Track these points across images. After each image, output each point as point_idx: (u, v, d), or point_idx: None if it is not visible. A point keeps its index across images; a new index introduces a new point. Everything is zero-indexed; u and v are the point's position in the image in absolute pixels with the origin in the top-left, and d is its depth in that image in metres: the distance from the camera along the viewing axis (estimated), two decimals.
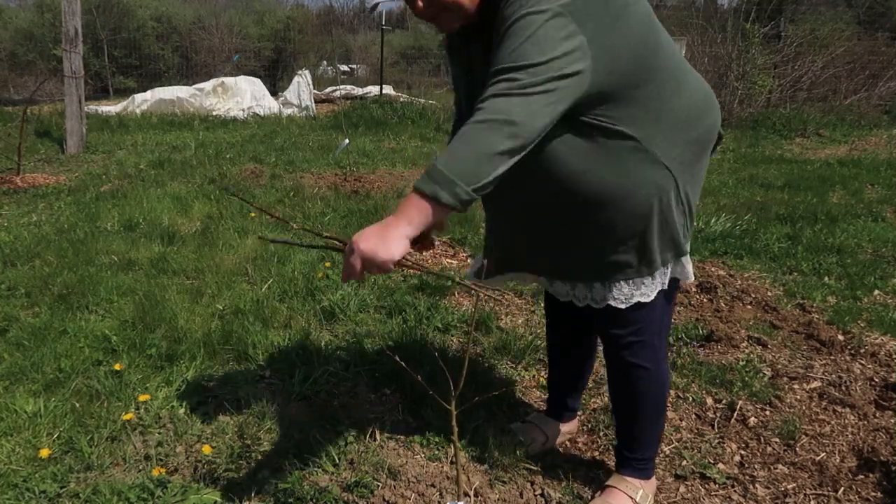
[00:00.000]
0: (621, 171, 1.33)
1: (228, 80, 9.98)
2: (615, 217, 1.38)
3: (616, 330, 1.54)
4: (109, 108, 9.42)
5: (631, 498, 1.65)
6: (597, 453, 1.93)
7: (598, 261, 1.45)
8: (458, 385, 1.26)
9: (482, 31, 1.31)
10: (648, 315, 1.51)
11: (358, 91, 12.32)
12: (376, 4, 1.73)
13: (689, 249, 1.52)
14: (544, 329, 2.00)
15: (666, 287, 1.50)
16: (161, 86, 10.12)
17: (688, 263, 1.53)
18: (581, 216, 1.40)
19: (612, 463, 1.85)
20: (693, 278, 1.58)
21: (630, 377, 1.59)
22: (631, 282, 1.46)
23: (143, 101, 9.39)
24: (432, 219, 1.17)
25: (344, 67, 16.88)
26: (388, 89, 12.00)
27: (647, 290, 1.47)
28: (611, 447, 1.93)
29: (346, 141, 5.81)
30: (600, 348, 1.80)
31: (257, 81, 10.19)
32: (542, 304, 2.11)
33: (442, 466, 1.79)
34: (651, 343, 1.55)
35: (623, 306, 1.48)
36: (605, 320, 1.54)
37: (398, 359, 1.46)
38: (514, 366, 2.40)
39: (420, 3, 1.30)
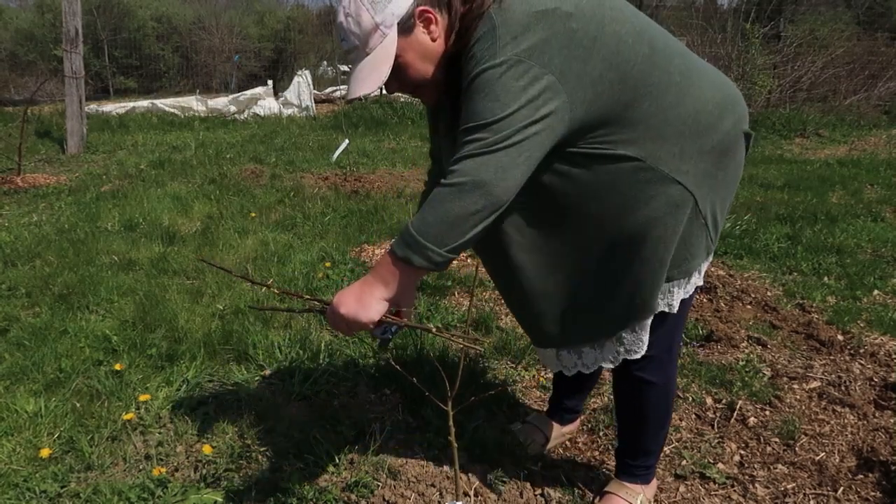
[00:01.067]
0: (630, 197, 1.27)
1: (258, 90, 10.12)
2: (637, 250, 1.32)
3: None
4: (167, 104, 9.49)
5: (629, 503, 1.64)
6: (597, 453, 1.93)
7: (627, 303, 1.37)
8: (454, 385, 1.26)
9: (450, 89, 1.30)
10: (657, 331, 1.45)
11: None
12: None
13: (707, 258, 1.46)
14: None
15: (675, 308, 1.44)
16: (162, 87, 10.13)
17: (699, 275, 1.47)
18: (608, 255, 1.34)
19: (612, 462, 1.85)
20: (701, 282, 1.53)
21: (637, 391, 1.54)
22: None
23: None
24: (409, 279, 1.21)
25: (344, 68, 16.86)
26: None
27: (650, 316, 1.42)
28: (611, 447, 1.93)
29: (346, 142, 5.81)
30: None
31: (305, 74, 10.22)
32: None
33: (442, 466, 1.79)
34: (660, 358, 1.49)
35: (637, 350, 1.44)
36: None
37: (394, 363, 1.46)
38: (514, 366, 2.40)
39: (394, 86, 1.32)
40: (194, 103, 9.56)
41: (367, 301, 1.21)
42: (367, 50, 1.24)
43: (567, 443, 1.97)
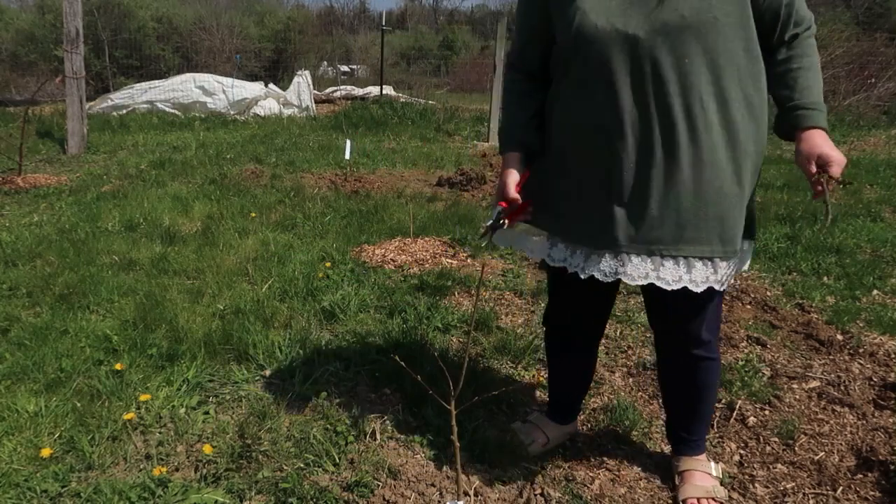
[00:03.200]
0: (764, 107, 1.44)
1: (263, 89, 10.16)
2: (757, 157, 1.44)
3: (692, 325, 1.55)
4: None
5: (709, 474, 1.74)
6: (597, 453, 1.94)
7: (738, 212, 1.43)
8: (457, 384, 1.26)
9: None
10: (718, 306, 1.56)
11: (358, 91, 12.34)
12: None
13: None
14: (544, 330, 1.98)
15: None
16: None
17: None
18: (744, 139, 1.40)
19: (611, 462, 1.86)
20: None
21: (697, 370, 1.63)
22: (728, 262, 1.46)
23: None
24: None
25: (344, 68, 16.90)
26: (388, 90, 12.01)
27: (728, 273, 1.47)
28: (609, 446, 1.93)
29: (349, 141, 5.81)
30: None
31: (305, 74, 10.24)
32: (544, 306, 2.11)
33: (442, 466, 1.80)
34: (716, 335, 1.62)
35: (721, 288, 1.48)
36: (684, 314, 1.54)
37: (398, 358, 1.46)
38: (513, 366, 2.40)
39: None
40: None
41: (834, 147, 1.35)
42: None
43: (567, 442, 1.97)
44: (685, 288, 1.43)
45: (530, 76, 1.60)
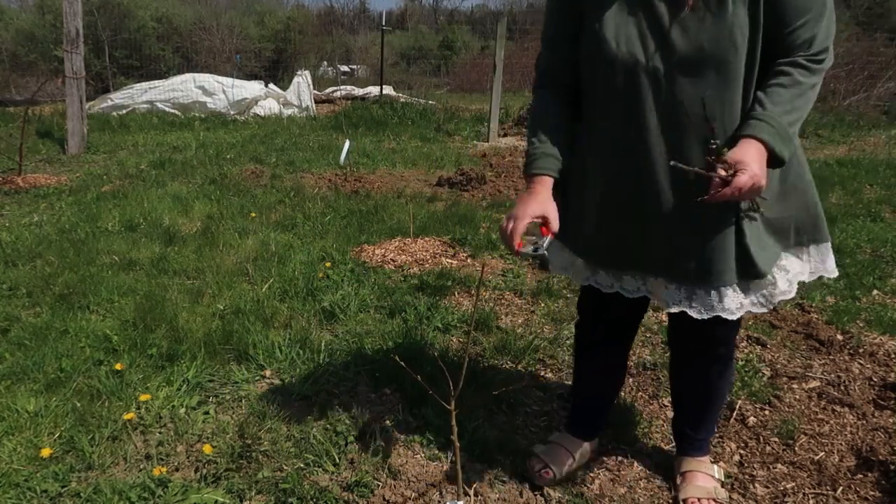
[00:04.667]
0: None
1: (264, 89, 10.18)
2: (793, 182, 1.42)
3: (716, 331, 1.53)
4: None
5: (712, 476, 1.74)
6: (597, 453, 1.93)
7: (757, 238, 1.38)
8: (457, 385, 1.26)
9: None
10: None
11: (358, 91, 12.33)
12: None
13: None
14: (550, 333, 1.97)
15: None
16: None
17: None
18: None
19: (610, 462, 1.86)
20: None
21: (713, 370, 1.63)
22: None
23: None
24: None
25: (344, 68, 16.89)
26: (388, 90, 12.00)
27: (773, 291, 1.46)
28: (610, 446, 1.93)
29: (348, 142, 5.80)
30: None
31: (305, 74, 10.23)
32: (544, 305, 2.10)
33: (442, 466, 1.80)
34: (735, 339, 1.63)
35: (765, 308, 1.45)
36: (712, 321, 1.45)
37: (398, 358, 1.45)
38: (513, 366, 2.40)
39: None
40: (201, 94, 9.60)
41: (765, 167, 1.24)
42: None
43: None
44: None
45: (558, 92, 1.50)
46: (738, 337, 2.61)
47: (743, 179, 1.21)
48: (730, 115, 1.31)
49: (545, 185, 1.43)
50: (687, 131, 1.31)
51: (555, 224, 1.40)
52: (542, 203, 1.41)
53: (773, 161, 1.26)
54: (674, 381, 1.77)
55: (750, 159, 1.22)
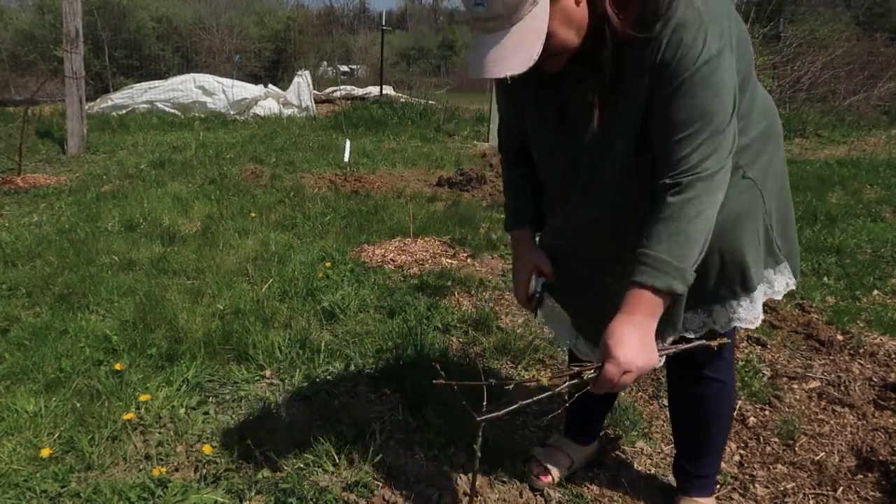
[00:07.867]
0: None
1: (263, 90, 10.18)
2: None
3: (703, 355, 1.45)
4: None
5: None
6: (597, 454, 1.93)
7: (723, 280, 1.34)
8: (490, 396, 1.25)
9: (586, 59, 1.18)
10: (732, 331, 1.45)
11: (358, 91, 12.33)
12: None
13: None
14: (550, 333, 1.95)
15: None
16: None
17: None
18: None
19: (610, 462, 1.86)
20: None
21: (707, 392, 1.51)
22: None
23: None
24: (667, 303, 1.16)
25: (344, 68, 16.90)
26: (388, 90, 12.01)
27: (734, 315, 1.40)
28: (610, 446, 1.93)
29: (349, 142, 5.80)
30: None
31: (305, 74, 10.24)
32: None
33: (442, 466, 1.79)
34: (728, 357, 1.51)
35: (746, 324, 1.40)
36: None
37: (442, 373, 1.32)
38: (513, 366, 2.40)
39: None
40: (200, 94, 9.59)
41: (650, 345, 1.14)
42: (512, 20, 1.07)
43: None
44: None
45: (524, 165, 1.51)
46: (738, 337, 2.62)
47: (610, 371, 1.13)
48: (634, 221, 1.23)
49: (526, 236, 1.51)
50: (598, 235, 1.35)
51: (546, 267, 1.46)
52: (528, 255, 1.49)
53: (673, 294, 1.16)
54: (671, 408, 1.66)
55: (615, 342, 1.13)
